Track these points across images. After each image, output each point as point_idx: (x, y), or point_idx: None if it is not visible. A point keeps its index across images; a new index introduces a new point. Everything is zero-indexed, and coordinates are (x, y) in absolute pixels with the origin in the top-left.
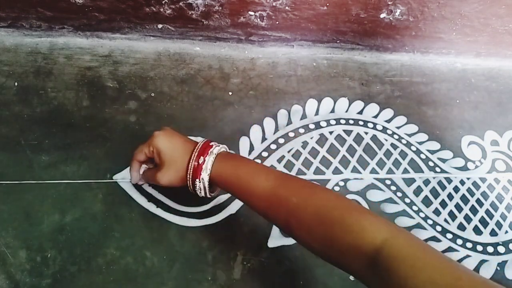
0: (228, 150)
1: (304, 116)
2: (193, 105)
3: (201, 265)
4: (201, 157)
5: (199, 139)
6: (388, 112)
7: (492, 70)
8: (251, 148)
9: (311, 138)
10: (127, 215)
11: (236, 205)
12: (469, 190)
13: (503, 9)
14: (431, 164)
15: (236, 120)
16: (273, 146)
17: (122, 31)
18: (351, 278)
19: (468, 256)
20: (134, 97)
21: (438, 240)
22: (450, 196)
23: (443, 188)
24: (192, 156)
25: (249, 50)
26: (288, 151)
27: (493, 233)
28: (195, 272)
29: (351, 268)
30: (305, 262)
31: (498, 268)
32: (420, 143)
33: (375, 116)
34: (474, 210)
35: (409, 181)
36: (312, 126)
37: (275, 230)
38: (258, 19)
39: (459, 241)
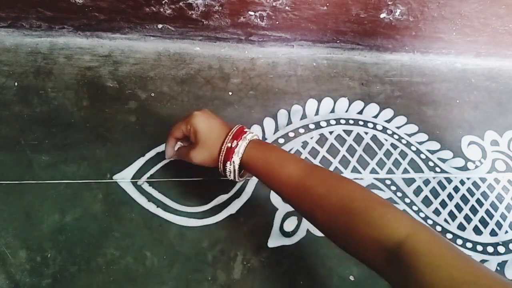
0: (259, 138)
1: (304, 116)
2: (193, 105)
3: (201, 265)
4: (235, 141)
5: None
6: (388, 112)
7: (492, 70)
8: None
9: (311, 138)
10: (127, 215)
11: (236, 205)
12: (469, 190)
13: (503, 9)
14: (431, 164)
15: (236, 120)
16: None
17: (122, 31)
18: (351, 278)
19: None
20: (134, 97)
21: None
22: (450, 196)
23: (443, 188)
24: (226, 139)
25: (249, 50)
26: (288, 151)
27: (493, 233)
28: (195, 272)
29: (371, 260)
30: (305, 262)
31: (498, 268)
32: (420, 143)
33: (375, 116)
34: (474, 210)
35: (409, 181)
36: (312, 126)
37: (275, 230)
38: (258, 19)
39: (459, 241)
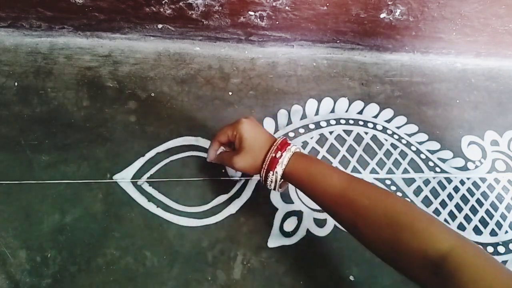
0: (302, 151)
1: (304, 116)
2: (193, 105)
3: (201, 265)
4: (279, 152)
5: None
6: (388, 112)
7: (492, 70)
8: None
9: (311, 138)
10: (127, 215)
11: (236, 205)
12: (469, 190)
13: (503, 9)
14: (431, 164)
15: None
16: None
17: (122, 31)
18: (351, 278)
19: None
20: (134, 97)
21: None
22: (450, 196)
23: (443, 188)
24: (271, 149)
25: (249, 50)
26: None
27: (493, 233)
28: (195, 272)
29: (414, 272)
30: (305, 262)
31: None
32: (420, 143)
33: (375, 116)
34: (474, 210)
35: (409, 181)
36: (312, 126)
37: (275, 230)
38: (258, 19)
39: None
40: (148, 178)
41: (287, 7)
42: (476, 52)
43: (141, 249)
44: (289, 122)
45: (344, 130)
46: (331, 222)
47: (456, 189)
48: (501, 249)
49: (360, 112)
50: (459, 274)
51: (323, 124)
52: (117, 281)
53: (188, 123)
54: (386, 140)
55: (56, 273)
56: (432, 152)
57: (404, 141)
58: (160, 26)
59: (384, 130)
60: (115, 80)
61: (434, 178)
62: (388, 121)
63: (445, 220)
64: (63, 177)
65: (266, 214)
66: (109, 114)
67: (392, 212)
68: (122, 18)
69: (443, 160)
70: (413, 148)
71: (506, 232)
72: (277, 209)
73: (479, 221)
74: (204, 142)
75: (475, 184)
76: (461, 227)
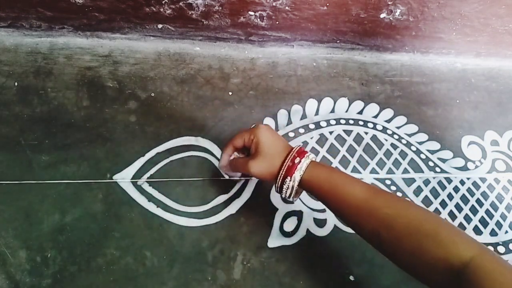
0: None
1: (304, 116)
2: (193, 105)
3: (201, 265)
4: (297, 158)
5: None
6: (388, 112)
7: (492, 70)
8: None
9: (311, 138)
10: (127, 215)
11: (236, 205)
12: (469, 190)
13: (503, 9)
14: (431, 164)
15: (236, 120)
16: None
17: (122, 31)
18: (351, 278)
19: None
20: (134, 97)
21: None
22: (450, 196)
23: (443, 188)
24: (289, 155)
25: (249, 50)
26: None
27: (493, 233)
28: (195, 272)
29: (435, 280)
30: (305, 262)
31: None
32: (420, 143)
33: (375, 116)
34: (474, 210)
35: (409, 181)
36: (312, 126)
37: (275, 230)
38: (258, 19)
39: None
40: (148, 178)
41: (287, 7)
42: (476, 52)
43: (141, 249)
44: (289, 122)
45: (344, 130)
46: (331, 222)
47: (456, 189)
48: (501, 249)
49: (360, 112)
50: (480, 281)
51: (323, 124)
52: (117, 281)
53: (188, 123)
54: (386, 140)
55: (56, 273)
56: (432, 152)
57: (404, 141)
58: (160, 26)
59: (384, 130)
60: (115, 80)
61: (434, 178)
62: (388, 121)
63: None
64: (63, 177)
65: (266, 214)
66: (109, 114)
67: (415, 221)
68: (122, 18)
69: (443, 160)
70: (413, 148)
71: (506, 232)
72: (277, 209)
73: (479, 221)
74: (204, 142)
75: (475, 184)
76: (461, 227)
